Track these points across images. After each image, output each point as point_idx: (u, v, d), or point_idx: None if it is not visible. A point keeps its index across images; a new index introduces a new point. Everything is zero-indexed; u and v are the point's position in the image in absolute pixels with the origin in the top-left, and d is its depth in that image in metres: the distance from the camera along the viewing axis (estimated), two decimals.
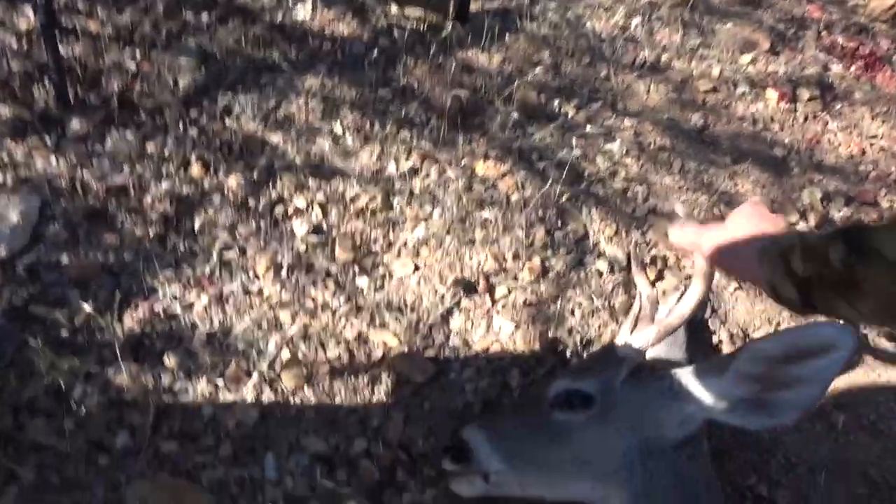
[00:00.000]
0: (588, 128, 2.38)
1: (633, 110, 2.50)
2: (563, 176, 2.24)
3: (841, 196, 2.38)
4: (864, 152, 2.54)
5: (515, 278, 2.04)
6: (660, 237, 2.16)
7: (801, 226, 2.27)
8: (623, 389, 1.33)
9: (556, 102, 2.45)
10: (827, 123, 2.61)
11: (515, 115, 2.35)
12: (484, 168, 2.26)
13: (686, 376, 1.27)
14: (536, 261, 2.07)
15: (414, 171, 2.25)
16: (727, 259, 1.13)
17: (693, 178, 2.33)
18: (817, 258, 0.88)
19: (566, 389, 1.36)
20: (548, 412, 1.37)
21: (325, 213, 2.11)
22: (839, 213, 2.34)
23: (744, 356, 1.15)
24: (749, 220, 1.09)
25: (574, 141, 2.35)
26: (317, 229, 2.08)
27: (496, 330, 1.95)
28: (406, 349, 1.88)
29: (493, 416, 1.62)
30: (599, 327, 1.99)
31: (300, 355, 1.85)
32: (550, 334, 1.95)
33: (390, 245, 2.08)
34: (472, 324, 1.96)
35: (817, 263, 0.88)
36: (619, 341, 1.43)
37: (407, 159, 2.27)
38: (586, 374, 1.41)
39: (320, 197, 2.13)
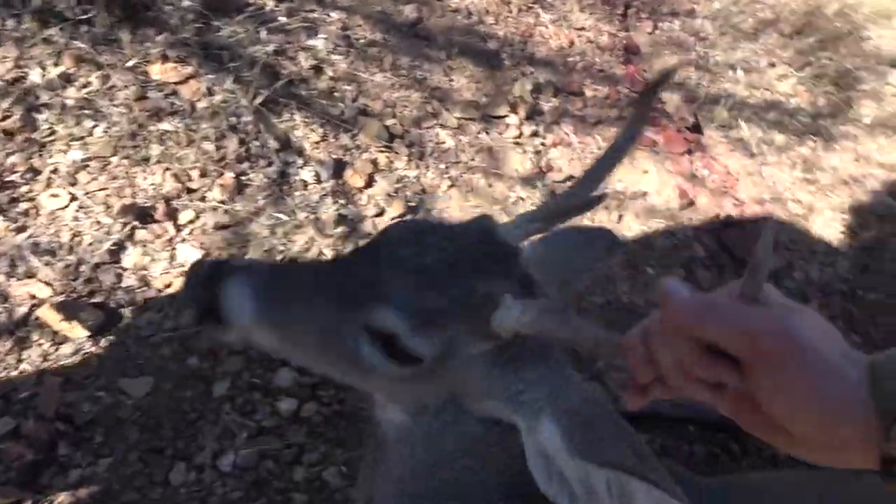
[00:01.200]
0: (288, 21, 2.11)
1: (342, 2, 2.26)
2: (260, 77, 1.96)
3: (550, 87, 2.43)
4: (572, 44, 2.61)
5: (204, 199, 1.77)
6: None
7: (513, 118, 2.28)
8: (472, 364, 0.82)
9: None
10: (539, 16, 2.62)
11: (197, 6, 1.98)
12: (161, 71, 1.90)
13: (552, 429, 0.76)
14: (229, 176, 1.81)
15: (66, 79, 1.81)
16: (785, 409, 0.57)
17: (406, 75, 2.20)
18: None
19: (393, 332, 0.78)
20: (355, 334, 0.81)
21: None
22: (548, 105, 2.39)
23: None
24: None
25: (271, 37, 2.06)
26: None
27: (181, 261, 1.69)
28: (63, 298, 1.54)
29: (269, 284, 0.86)
30: (306, 244, 1.82)
31: None
32: (247, 257, 1.74)
33: (35, 172, 1.67)
34: (151, 257, 1.67)
35: None
36: (508, 307, 0.76)
37: (56, 64, 1.82)
38: (435, 317, 0.79)
39: None
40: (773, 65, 2.99)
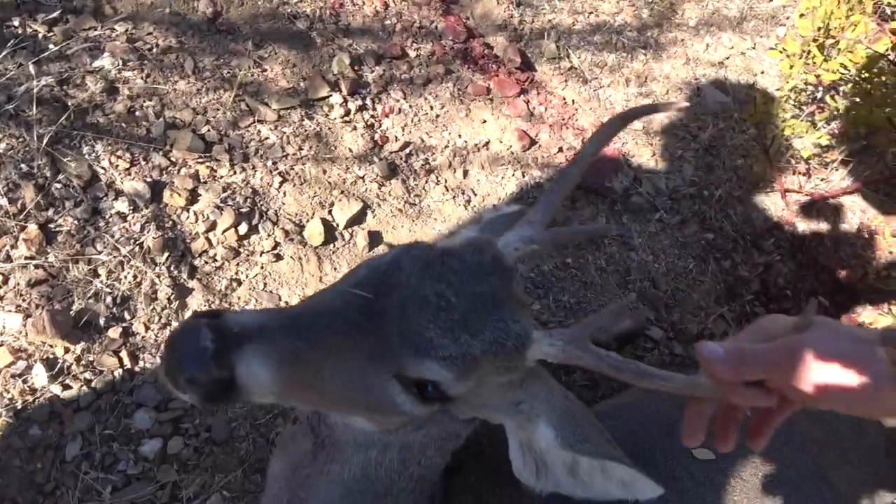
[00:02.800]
0: (66, 45, 1.98)
1: (124, 12, 2.14)
2: (45, 113, 1.84)
3: (371, 56, 2.41)
4: (387, 6, 2.59)
5: (9, 259, 1.68)
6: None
7: (336, 97, 2.26)
8: (494, 390, 0.88)
9: (13, 22, 1.97)
10: None
11: None
12: None
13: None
14: (33, 228, 1.72)
15: None
16: (815, 395, 0.71)
17: (212, 76, 2.13)
18: None
19: (435, 380, 0.80)
20: (384, 382, 0.80)
21: None
22: (372, 74, 2.38)
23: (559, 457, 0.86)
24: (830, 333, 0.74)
25: (49, 67, 1.94)
26: None
27: (0, 330, 1.60)
28: None
29: (286, 343, 0.79)
30: (135, 277, 1.76)
31: None
32: (75, 308, 1.67)
33: None
34: None
35: None
36: (538, 341, 0.84)
37: None
38: (474, 362, 0.81)
39: None
40: None
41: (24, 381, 1.57)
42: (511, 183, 2.36)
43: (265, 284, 1.88)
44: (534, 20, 2.84)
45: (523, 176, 2.40)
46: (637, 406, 1.49)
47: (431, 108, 2.41)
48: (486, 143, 2.42)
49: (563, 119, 2.60)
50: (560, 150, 2.50)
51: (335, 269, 1.98)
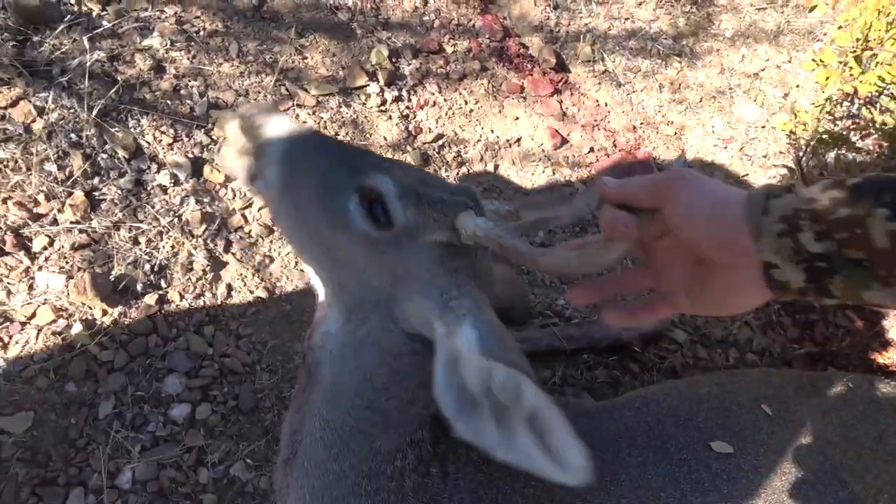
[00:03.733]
0: (118, 23, 2.07)
1: None
2: (95, 87, 1.93)
3: (409, 49, 2.48)
4: (426, 2, 2.66)
5: (55, 223, 1.75)
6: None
7: (373, 87, 2.32)
8: (424, 252, 0.94)
9: (70, 0, 2.07)
10: None
11: (10, 22, 1.92)
12: None
13: (489, 327, 0.88)
14: (80, 194, 1.80)
15: None
16: (684, 218, 0.73)
17: (254, 60, 2.21)
18: (843, 229, 0.64)
19: (381, 192, 0.93)
20: (348, 193, 0.94)
21: None
22: (409, 67, 2.44)
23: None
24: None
25: (101, 43, 2.03)
26: None
27: (42, 289, 1.68)
28: None
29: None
30: (173, 248, 1.83)
31: None
32: (114, 273, 1.74)
33: None
34: (9, 291, 1.66)
35: (845, 237, 0.64)
36: (466, 220, 0.93)
37: None
38: (417, 197, 0.94)
39: None
40: None
41: (64, 339, 1.64)
42: (541, 179, 2.40)
43: (297, 262, 1.94)
44: (570, 23, 2.89)
45: (553, 173, 2.44)
46: (652, 399, 1.51)
47: (465, 102, 2.46)
48: (518, 140, 2.47)
49: (596, 120, 2.64)
50: (591, 150, 2.54)
51: None
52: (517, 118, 2.51)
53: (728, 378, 1.63)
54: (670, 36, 3.08)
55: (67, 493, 1.52)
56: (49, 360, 1.61)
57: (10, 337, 1.62)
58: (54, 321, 1.65)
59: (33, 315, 1.65)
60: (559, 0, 2.93)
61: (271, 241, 1.95)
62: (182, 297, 1.79)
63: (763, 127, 2.92)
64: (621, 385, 2.13)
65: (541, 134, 2.50)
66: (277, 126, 1.01)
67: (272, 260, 1.93)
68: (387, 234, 0.92)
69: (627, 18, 3.04)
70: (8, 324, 1.63)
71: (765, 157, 2.82)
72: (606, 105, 2.73)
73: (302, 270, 1.94)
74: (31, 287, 1.67)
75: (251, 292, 1.86)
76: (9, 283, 1.66)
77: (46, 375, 1.60)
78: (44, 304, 1.66)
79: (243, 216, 1.95)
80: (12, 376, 1.57)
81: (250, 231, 1.94)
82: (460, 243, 0.93)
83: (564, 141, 2.52)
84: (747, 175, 2.77)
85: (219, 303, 1.81)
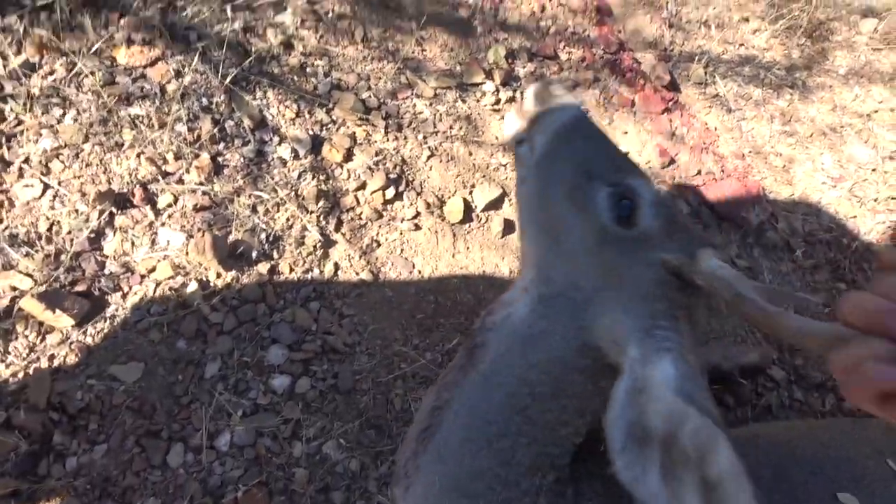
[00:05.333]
0: None
1: None
2: (229, 55, 2.00)
3: (524, 52, 2.49)
4: (543, 8, 2.68)
5: (181, 182, 1.81)
6: None
7: (489, 85, 2.34)
8: (651, 266, 0.92)
9: None
10: None
11: None
12: (127, 55, 1.93)
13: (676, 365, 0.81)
14: (206, 157, 1.85)
15: (30, 67, 1.83)
16: None
17: (378, 47, 2.25)
18: None
19: (638, 194, 0.97)
20: (601, 184, 0.99)
21: None
22: (524, 69, 2.46)
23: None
24: None
25: (237, 14, 2.10)
26: None
27: (163, 245, 1.73)
28: (45, 288, 1.58)
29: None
30: (288, 220, 1.87)
31: None
32: (231, 238, 1.79)
33: (6, 164, 1.70)
34: (132, 243, 1.71)
35: None
36: (709, 257, 0.90)
37: (18, 53, 1.84)
38: (668, 212, 0.98)
39: None
40: (746, 19, 3.08)
41: (179, 296, 1.69)
42: None
43: (402, 250, 1.96)
44: (684, 43, 2.87)
45: None
46: (776, 439, 1.47)
47: None
48: (626, 154, 2.45)
49: (704, 143, 2.61)
50: (698, 172, 2.50)
51: (468, 248, 2.04)
52: (626, 132, 2.50)
53: (852, 426, 1.58)
54: (783, 67, 3.03)
55: (169, 447, 1.55)
56: (164, 315, 1.66)
57: (130, 287, 1.67)
58: (172, 277, 1.70)
59: (153, 269, 1.70)
60: (675, 19, 2.91)
61: (379, 226, 1.98)
62: (292, 269, 1.82)
63: (874, 170, 2.83)
64: (730, 411, 2.08)
65: (649, 151, 2.48)
66: (565, 104, 1.08)
67: (379, 245, 1.95)
68: (623, 233, 0.93)
69: (742, 44, 3.01)
70: (129, 274, 1.68)
71: (875, 200, 2.74)
72: (716, 129, 2.69)
73: (406, 259, 1.96)
74: (153, 242, 1.73)
75: (356, 274, 1.88)
76: (133, 235, 1.72)
77: (160, 329, 1.65)
78: (164, 259, 1.71)
79: (356, 197, 1.98)
80: (129, 326, 1.62)
81: (360, 213, 1.97)
82: (690, 277, 0.86)
83: (672, 161, 2.49)
84: (855, 217, 2.69)
85: (325, 280, 1.84)
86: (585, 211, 0.96)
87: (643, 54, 2.75)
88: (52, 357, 1.53)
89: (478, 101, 2.31)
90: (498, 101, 2.33)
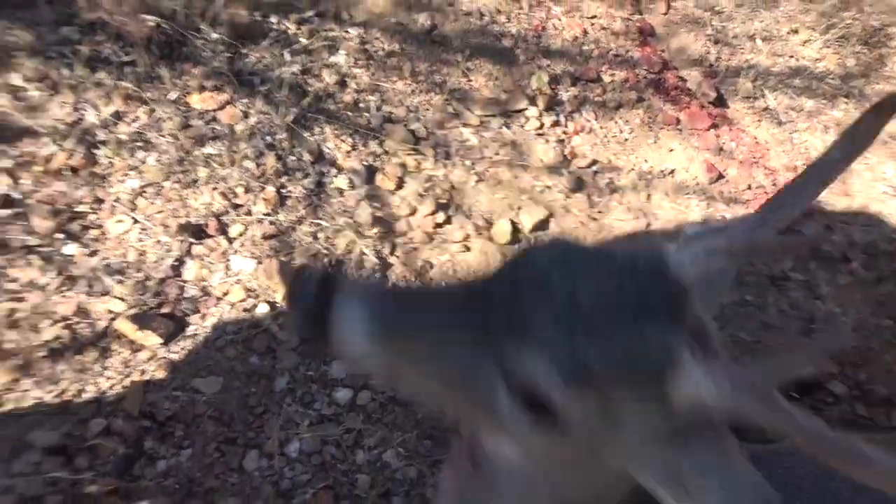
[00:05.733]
0: (310, 42, 2.37)
1: (359, 19, 2.52)
2: (289, 96, 2.22)
3: (567, 77, 2.63)
4: (586, 33, 2.81)
5: (250, 213, 2.03)
6: None
7: (533, 110, 2.48)
8: (630, 431, 0.69)
9: (272, 19, 2.40)
10: (550, 9, 2.83)
11: (226, 37, 2.26)
12: (200, 101, 2.18)
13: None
14: (271, 190, 2.06)
15: (118, 116, 2.10)
16: None
17: (426, 80, 2.44)
18: None
19: (539, 385, 0.67)
20: (491, 376, 0.71)
21: (15, 181, 1.92)
22: (567, 94, 2.59)
23: None
24: None
25: (295, 58, 2.33)
26: (7, 202, 1.89)
27: (236, 270, 1.94)
28: (135, 311, 1.81)
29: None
30: (347, 246, 2.05)
31: (10, 345, 1.71)
32: (297, 263, 1.98)
33: (100, 202, 1.96)
34: (209, 269, 1.93)
35: None
36: (689, 369, 0.64)
37: (108, 104, 2.12)
38: (595, 373, 0.66)
39: (6, 163, 1.93)
40: (795, 31, 3.12)
41: (252, 316, 1.89)
42: (695, 212, 2.45)
43: (454, 272, 2.11)
44: (730, 58, 2.94)
45: (707, 207, 2.47)
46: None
47: (621, 131, 2.57)
48: (672, 171, 2.53)
49: (754, 157, 2.66)
50: (749, 187, 2.55)
51: None
52: (672, 149, 2.58)
53: None
54: (837, 76, 3.04)
55: (244, 453, 1.73)
56: (238, 333, 1.86)
57: (208, 309, 1.88)
58: (244, 300, 1.90)
59: (228, 292, 1.91)
60: (720, 35, 2.98)
61: (431, 249, 2.13)
62: None
63: None
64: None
65: (696, 167, 2.55)
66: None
67: (431, 266, 2.11)
68: (561, 429, 0.68)
69: (791, 56, 3.04)
70: (207, 297, 1.89)
71: None
72: (766, 143, 2.73)
73: (458, 278, 2.11)
74: (227, 268, 1.94)
75: None
76: (209, 262, 1.94)
77: (235, 347, 1.85)
78: (236, 283, 1.92)
79: (408, 222, 2.14)
80: (209, 343, 1.83)
81: (413, 237, 2.13)
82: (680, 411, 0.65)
83: (721, 176, 2.55)
84: None
85: None
86: (495, 415, 0.74)
87: (688, 72, 2.83)
88: (143, 371, 1.75)
89: (522, 126, 2.45)
90: (542, 126, 2.47)
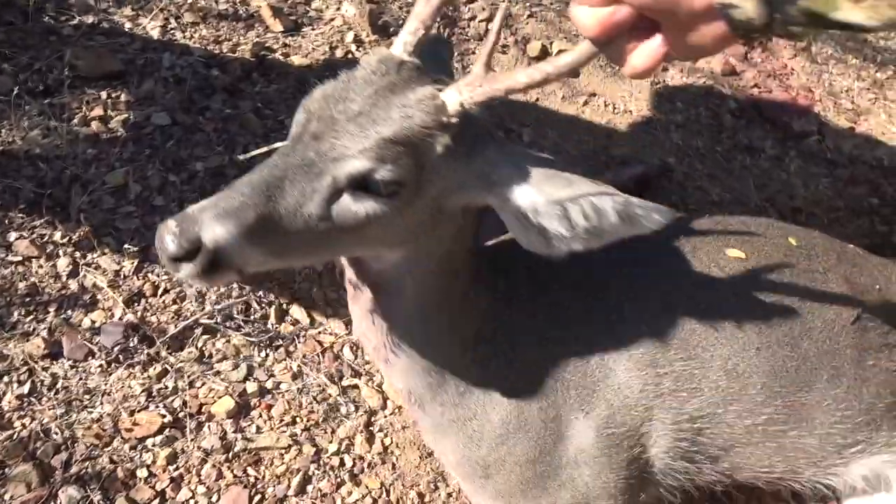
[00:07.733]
0: None
1: None
2: None
3: None
4: None
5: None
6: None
7: None
8: (441, 168, 1.01)
9: None
10: None
11: None
12: None
13: (533, 173, 1.00)
14: None
15: None
16: None
17: None
18: None
19: (363, 174, 0.96)
20: (331, 200, 0.98)
21: None
22: None
23: (584, 203, 0.95)
24: None
25: None
26: None
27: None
28: None
29: (231, 201, 0.97)
30: None
31: None
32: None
33: None
34: None
35: None
36: (451, 93, 0.98)
37: None
38: (390, 143, 0.96)
39: None
40: None
41: None
42: (698, 84, 3.07)
43: None
44: None
45: (710, 87, 3.09)
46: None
47: None
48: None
49: (775, 71, 3.24)
50: (756, 86, 3.14)
51: None
52: None
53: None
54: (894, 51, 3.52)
55: None
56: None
57: None
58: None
59: None
60: None
61: None
62: None
63: None
64: None
65: (715, 61, 3.19)
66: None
67: None
68: (403, 194, 0.99)
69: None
70: None
71: None
72: (793, 70, 3.30)
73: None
74: None
75: None
76: None
77: None
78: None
79: None
80: None
81: None
82: (456, 124, 0.98)
83: (734, 71, 3.18)
84: None
85: None
86: (358, 223, 1.01)
87: None
88: None
89: None
90: None
